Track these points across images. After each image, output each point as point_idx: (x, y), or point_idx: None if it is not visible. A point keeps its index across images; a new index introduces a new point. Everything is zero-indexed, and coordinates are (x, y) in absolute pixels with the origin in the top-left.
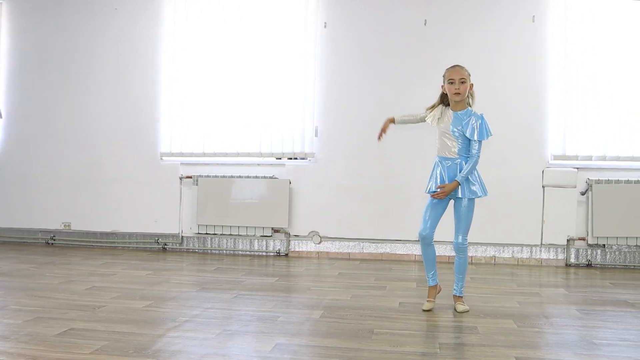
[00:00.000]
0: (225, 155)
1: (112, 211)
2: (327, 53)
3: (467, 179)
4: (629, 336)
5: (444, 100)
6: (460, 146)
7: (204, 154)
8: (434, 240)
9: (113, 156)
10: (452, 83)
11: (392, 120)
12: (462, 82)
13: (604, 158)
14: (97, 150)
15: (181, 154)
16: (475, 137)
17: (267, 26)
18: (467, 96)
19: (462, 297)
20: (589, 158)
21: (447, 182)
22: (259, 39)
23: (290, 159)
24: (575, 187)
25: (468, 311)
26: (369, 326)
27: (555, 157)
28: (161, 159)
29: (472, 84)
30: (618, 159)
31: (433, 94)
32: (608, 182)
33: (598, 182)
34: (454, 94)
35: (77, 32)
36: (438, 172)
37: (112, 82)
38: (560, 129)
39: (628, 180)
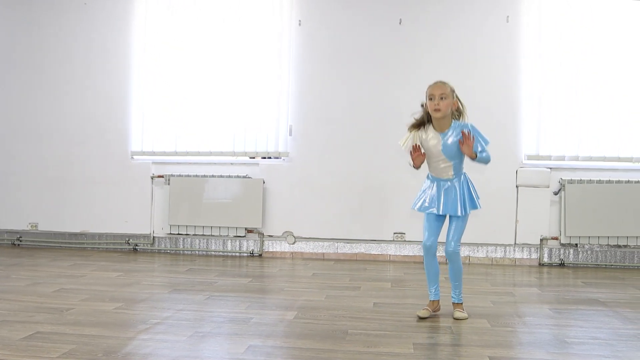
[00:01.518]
0: (198, 154)
1: (81, 211)
2: (302, 51)
3: (465, 195)
4: (600, 334)
5: (428, 118)
6: (456, 165)
7: (176, 153)
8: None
9: (82, 154)
10: (431, 99)
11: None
12: (442, 98)
13: (576, 158)
14: (66, 149)
15: (153, 153)
16: (479, 149)
17: (240, 23)
18: (451, 113)
19: (461, 303)
20: (562, 158)
21: (442, 204)
22: (233, 36)
23: (264, 158)
24: (548, 187)
25: (466, 318)
26: (343, 327)
27: (529, 157)
28: (132, 157)
29: (458, 101)
30: (590, 159)
31: (407, 93)
32: (580, 182)
33: (571, 182)
34: (434, 110)
35: (46, 28)
36: (434, 192)
37: (81, 79)
38: (534, 129)
39: (600, 180)
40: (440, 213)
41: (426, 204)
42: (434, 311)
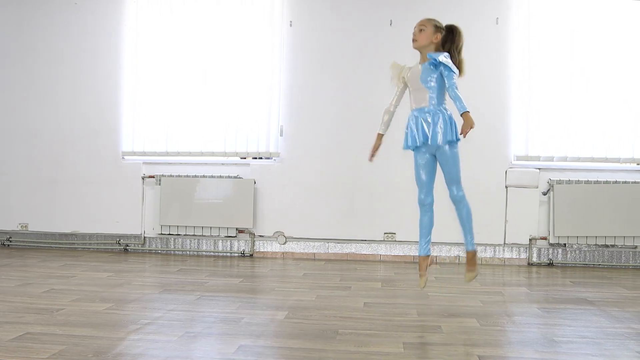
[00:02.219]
0: (189, 154)
1: (71, 211)
2: (293, 52)
3: (446, 125)
4: (587, 333)
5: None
6: (434, 95)
7: (167, 153)
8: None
9: (73, 155)
10: (413, 32)
11: (380, 136)
12: (421, 30)
13: (565, 159)
14: (56, 149)
15: (144, 153)
16: (445, 72)
17: (231, 24)
18: (435, 47)
19: (474, 251)
20: (551, 159)
21: (422, 133)
22: (224, 37)
23: (255, 158)
24: (537, 187)
25: (476, 276)
26: (333, 326)
27: (518, 158)
28: (123, 158)
29: (439, 34)
30: (578, 159)
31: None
32: (569, 182)
33: (559, 182)
34: (412, 40)
35: (36, 27)
36: (415, 125)
37: (72, 79)
38: (523, 130)
39: (588, 180)
40: (421, 140)
41: (412, 140)
42: (429, 265)
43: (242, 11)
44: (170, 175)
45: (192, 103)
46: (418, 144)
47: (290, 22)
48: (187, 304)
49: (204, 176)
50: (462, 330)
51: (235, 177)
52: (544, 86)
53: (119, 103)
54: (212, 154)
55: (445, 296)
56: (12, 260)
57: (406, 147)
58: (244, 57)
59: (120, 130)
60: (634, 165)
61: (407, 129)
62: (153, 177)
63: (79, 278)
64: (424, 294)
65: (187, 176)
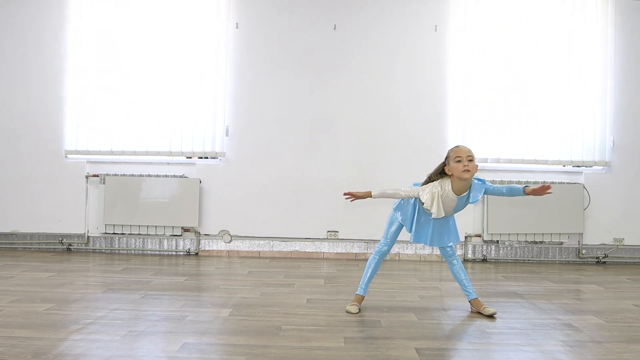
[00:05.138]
0: (134, 153)
1: (11, 210)
2: (239, 54)
3: (444, 230)
4: (517, 324)
5: (441, 176)
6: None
7: (111, 152)
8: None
9: (13, 153)
10: (459, 161)
11: (369, 195)
12: (470, 160)
13: (498, 160)
14: None
15: (87, 152)
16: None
17: (178, 24)
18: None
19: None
20: (485, 160)
21: (430, 236)
22: (170, 36)
23: (201, 158)
24: None
25: (495, 313)
26: (277, 323)
27: None
28: (66, 156)
29: (477, 165)
30: (510, 161)
31: (339, 96)
32: (501, 183)
33: (492, 183)
34: (463, 171)
35: None
36: (423, 222)
37: (13, 75)
38: (459, 133)
39: (519, 181)
40: (428, 245)
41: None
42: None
43: (188, 11)
44: (115, 175)
45: (137, 102)
46: (428, 245)
47: (237, 24)
48: (131, 302)
49: (149, 175)
50: (400, 324)
51: (180, 177)
52: (479, 91)
53: (62, 100)
54: (158, 153)
55: (384, 292)
56: None
57: (413, 241)
58: (190, 57)
59: (64, 128)
60: (560, 167)
61: (414, 219)
62: (97, 176)
63: (19, 278)
64: None
65: (132, 175)
